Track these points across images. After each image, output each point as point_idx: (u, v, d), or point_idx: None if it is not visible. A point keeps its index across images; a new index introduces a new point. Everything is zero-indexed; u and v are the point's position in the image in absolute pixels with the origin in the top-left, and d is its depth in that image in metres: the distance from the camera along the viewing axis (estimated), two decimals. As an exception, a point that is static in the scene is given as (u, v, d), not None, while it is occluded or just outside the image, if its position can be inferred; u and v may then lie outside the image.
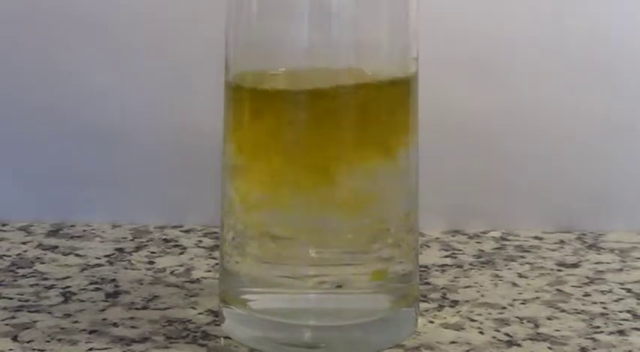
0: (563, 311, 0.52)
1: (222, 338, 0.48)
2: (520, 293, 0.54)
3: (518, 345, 0.48)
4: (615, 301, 0.54)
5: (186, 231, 0.64)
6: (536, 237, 0.63)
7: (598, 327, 0.50)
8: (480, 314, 0.52)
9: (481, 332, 0.49)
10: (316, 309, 0.47)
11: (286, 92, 0.46)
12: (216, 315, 0.50)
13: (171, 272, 0.57)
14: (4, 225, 0.64)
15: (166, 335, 0.49)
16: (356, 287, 0.47)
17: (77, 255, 0.59)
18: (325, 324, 0.47)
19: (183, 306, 0.52)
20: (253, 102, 0.47)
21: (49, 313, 0.51)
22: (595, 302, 0.53)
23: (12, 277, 0.56)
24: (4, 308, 0.52)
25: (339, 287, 0.46)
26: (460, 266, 0.58)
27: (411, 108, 0.47)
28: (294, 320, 0.47)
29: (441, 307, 0.52)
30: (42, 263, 0.58)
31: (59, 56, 0.64)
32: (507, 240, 0.63)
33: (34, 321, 0.50)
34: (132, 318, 0.51)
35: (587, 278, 0.57)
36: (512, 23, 0.63)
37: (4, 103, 0.64)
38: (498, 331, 0.50)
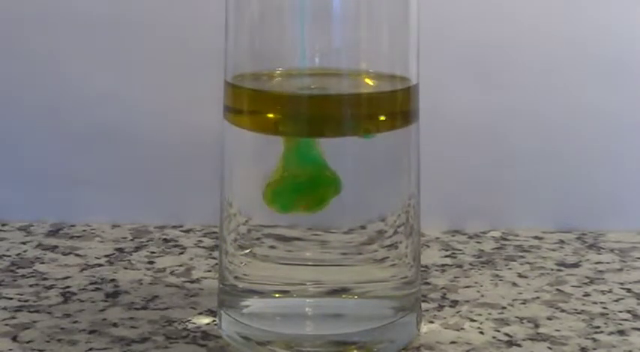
0: (563, 311, 0.52)
1: (220, 341, 0.48)
2: (520, 293, 0.54)
3: (518, 345, 0.48)
4: (615, 301, 0.54)
5: (186, 231, 0.64)
6: (536, 237, 0.63)
7: (598, 327, 0.50)
8: (480, 314, 0.52)
9: (481, 332, 0.49)
10: (315, 315, 0.47)
11: (285, 93, 0.46)
12: (216, 315, 0.50)
13: (171, 272, 0.57)
14: (4, 225, 0.64)
15: (166, 335, 0.49)
16: (355, 293, 0.47)
17: (77, 255, 0.59)
18: (324, 331, 0.46)
19: (183, 306, 0.52)
20: (252, 103, 0.47)
21: (49, 313, 0.51)
22: (595, 302, 0.53)
23: (12, 277, 0.56)
24: (4, 308, 0.52)
25: (339, 292, 0.46)
26: (460, 266, 0.58)
27: (411, 108, 0.47)
28: (293, 325, 0.46)
29: (441, 307, 0.52)
30: (42, 263, 0.58)
31: (60, 56, 0.64)
32: (507, 239, 0.63)
33: (34, 321, 0.50)
34: (132, 318, 0.51)
35: (587, 278, 0.57)
36: (513, 22, 0.63)
37: (4, 103, 0.64)
38: (498, 331, 0.50)
